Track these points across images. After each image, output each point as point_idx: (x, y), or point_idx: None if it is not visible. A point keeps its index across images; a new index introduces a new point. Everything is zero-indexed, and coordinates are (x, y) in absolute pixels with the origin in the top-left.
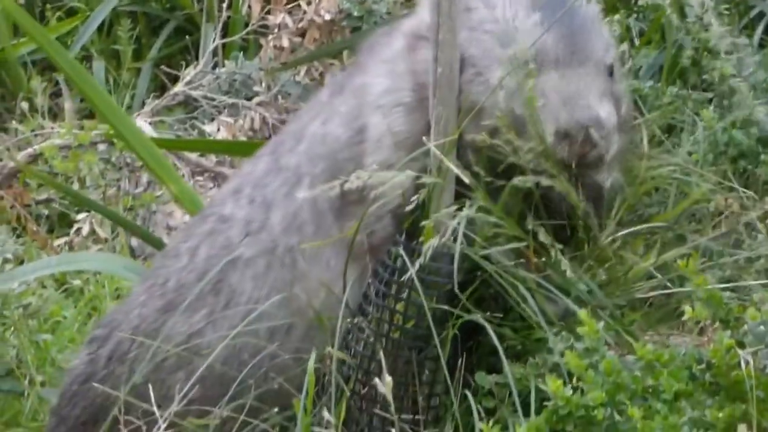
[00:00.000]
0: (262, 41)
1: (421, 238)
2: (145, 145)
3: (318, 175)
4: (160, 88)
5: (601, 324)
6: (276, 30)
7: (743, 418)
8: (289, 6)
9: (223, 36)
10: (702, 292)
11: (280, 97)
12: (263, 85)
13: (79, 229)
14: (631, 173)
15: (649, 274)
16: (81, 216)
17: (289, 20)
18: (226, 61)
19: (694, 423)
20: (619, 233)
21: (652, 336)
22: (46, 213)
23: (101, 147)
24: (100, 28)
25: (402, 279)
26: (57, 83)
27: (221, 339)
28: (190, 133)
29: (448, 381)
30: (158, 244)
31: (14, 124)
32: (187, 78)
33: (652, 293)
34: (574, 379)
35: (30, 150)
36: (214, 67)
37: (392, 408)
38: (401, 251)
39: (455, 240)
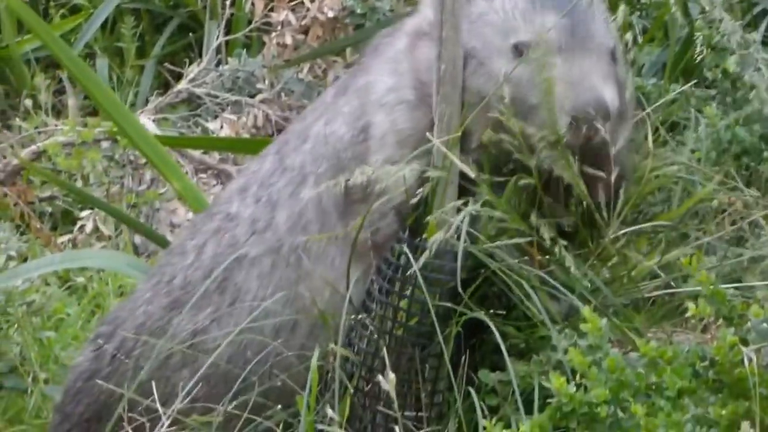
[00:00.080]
0: (266, 38)
1: (425, 235)
2: (149, 143)
3: (322, 175)
4: (163, 85)
5: (605, 321)
6: (279, 27)
7: (746, 415)
8: (293, 3)
9: (227, 33)
10: (705, 290)
11: (283, 94)
12: (266, 82)
13: (82, 227)
14: (636, 172)
15: (653, 273)
16: (84, 213)
17: (292, 17)
18: (229, 59)
19: (697, 420)
20: (623, 231)
21: (655, 333)
22: (50, 210)
23: (105, 144)
24: (103, 26)
25: (406, 276)
26: (61, 80)
27: (226, 337)
28: (193, 131)
29: (451, 378)
30: (161, 242)
31: (18, 121)
32: (191, 75)
33: (655, 292)
34: (578, 377)
35: (34, 147)
36: (218, 64)
37: (395, 405)
38: (405, 248)
39: (459, 237)
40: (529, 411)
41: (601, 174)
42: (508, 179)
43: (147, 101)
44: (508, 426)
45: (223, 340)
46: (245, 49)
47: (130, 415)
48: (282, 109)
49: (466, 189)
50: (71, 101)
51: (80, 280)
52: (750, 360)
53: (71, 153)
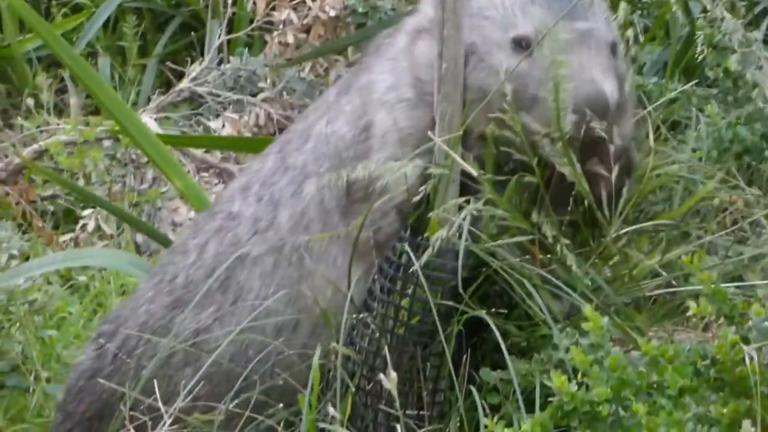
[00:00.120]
0: (267, 37)
1: (426, 234)
2: (151, 141)
3: (323, 174)
4: (165, 84)
5: (606, 320)
6: (281, 26)
7: (748, 414)
8: (294, 2)
9: (228, 32)
10: (707, 289)
11: (285, 93)
12: (268, 81)
13: (84, 225)
14: (638, 170)
15: (654, 272)
16: (86, 212)
17: (293, 16)
18: (231, 58)
19: (698, 419)
20: (625, 230)
21: (656, 332)
22: (52, 209)
23: (106, 143)
24: (105, 25)
25: (407, 274)
26: (62, 79)
27: (228, 336)
28: (195, 129)
29: (452, 377)
30: (163, 241)
31: (20, 120)
32: (193, 74)
33: (657, 291)
34: (579, 375)
35: (35, 146)
36: (219, 63)
37: (397, 404)
38: (406, 247)
39: (460, 236)
40: (530, 410)
41: (603, 172)
42: (509, 178)
43: (149, 100)
44: (509, 424)
45: (225, 339)
46: (247, 48)
47: (132, 413)
48: (284, 107)
49: (467, 186)
50: (73, 100)
51: (82, 278)
52: (751, 358)
53: (73, 152)
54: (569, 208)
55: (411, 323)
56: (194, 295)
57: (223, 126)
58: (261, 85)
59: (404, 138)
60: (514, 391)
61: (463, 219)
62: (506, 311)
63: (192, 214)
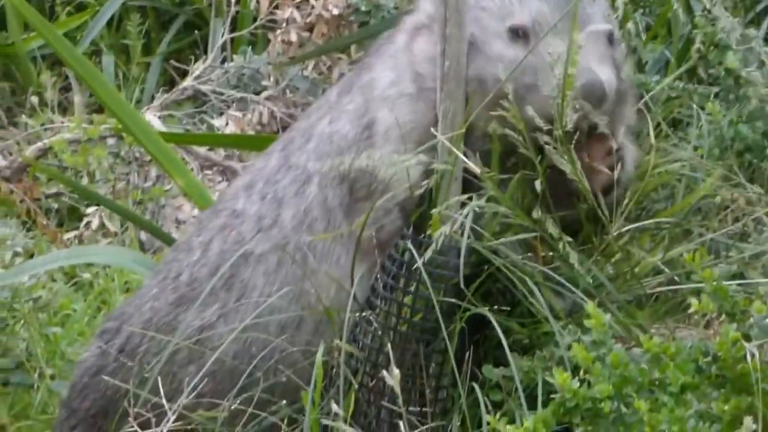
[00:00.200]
0: (271, 36)
1: (429, 231)
2: (153, 140)
3: (326, 173)
4: (169, 82)
5: (608, 317)
6: (284, 25)
7: (749, 411)
8: (297, 1)
9: (232, 31)
10: (708, 286)
11: (288, 91)
12: (271, 79)
13: (88, 223)
14: (639, 169)
15: (657, 269)
16: (90, 210)
17: (297, 15)
18: (234, 56)
19: (700, 415)
20: (627, 228)
21: (658, 329)
22: (56, 207)
23: (110, 141)
24: (109, 23)
25: (410, 272)
26: (66, 78)
27: (232, 333)
28: (199, 127)
29: (455, 374)
30: (167, 239)
31: (24, 118)
32: (196, 72)
33: (659, 288)
34: (581, 372)
35: (40, 144)
36: (223, 61)
37: (400, 400)
38: (409, 245)
39: (463, 233)
40: (532, 406)
41: (603, 169)
42: (511, 176)
43: (153, 98)
44: (511, 421)
45: (229, 336)
46: (250, 47)
47: (136, 410)
48: (287, 106)
49: (469, 182)
50: (77, 98)
51: (86, 276)
52: (752, 355)
53: (77, 150)
54: (568, 202)
55: (414, 320)
56: (198, 292)
57: (227, 124)
58: (264, 83)
59: (407, 133)
60: (517, 388)
61: (465, 216)
62: (509, 308)
63: (195, 211)
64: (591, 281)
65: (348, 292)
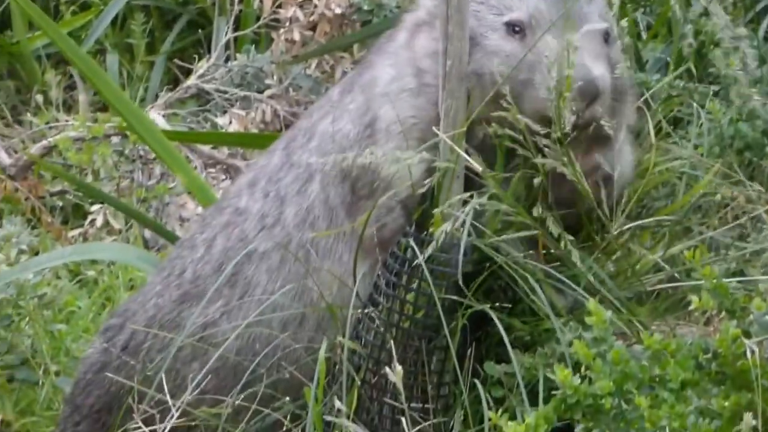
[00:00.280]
0: (274, 35)
1: (431, 229)
2: (157, 138)
3: (328, 172)
4: (173, 81)
5: (609, 314)
6: (287, 23)
7: (749, 407)
8: (300, 0)
9: (235, 29)
10: (708, 283)
11: (291, 89)
12: (275, 78)
13: (93, 221)
14: (640, 167)
15: (657, 267)
16: (95, 207)
17: (300, 14)
18: (238, 55)
19: (700, 412)
20: (628, 226)
21: (659, 326)
22: (61, 204)
23: (115, 139)
24: (113, 22)
25: (412, 269)
26: (71, 76)
27: (235, 330)
28: (202, 126)
29: (457, 370)
30: (170, 236)
31: (29, 116)
32: (200, 71)
33: (659, 285)
34: (582, 369)
35: (44, 142)
36: (227, 60)
37: (402, 397)
38: (411, 242)
39: (464, 231)
40: (534, 403)
41: (603, 166)
42: (512, 175)
43: (157, 97)
44: (513, 417)
45: (233, 333)
46: (254, 46)
47: (140, 406)
48: (290, 104)
49: (471, 180)
50: (82, 97)
51: (91, 273)
52: (752, 352)
53: (82, 148)
54: (569, 200)
55: (416, 317)
56: (202, 289)
57: (230, 122)
58: (267, 81)
59: (408, 129)
60: (518, 385)
61: (467, 214)
62: (510, 305)
63: (199, 209)
64: (592, 278)
65: (350, 290)
